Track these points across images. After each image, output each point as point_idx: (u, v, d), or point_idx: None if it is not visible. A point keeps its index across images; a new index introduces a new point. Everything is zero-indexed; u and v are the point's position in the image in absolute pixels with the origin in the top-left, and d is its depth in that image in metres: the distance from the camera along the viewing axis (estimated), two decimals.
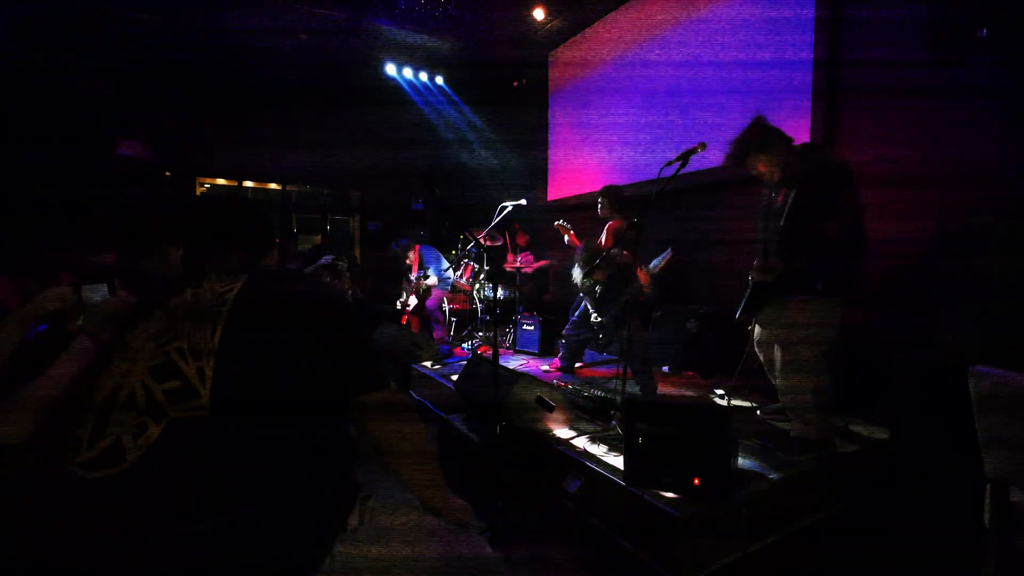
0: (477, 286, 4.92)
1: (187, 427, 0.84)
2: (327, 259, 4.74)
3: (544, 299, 5.72)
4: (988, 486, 1.41)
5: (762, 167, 2.37)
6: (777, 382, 2.40)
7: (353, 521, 0.95)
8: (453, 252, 5.44)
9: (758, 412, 2.81)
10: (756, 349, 2.55)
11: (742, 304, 2.38)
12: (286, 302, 0.99)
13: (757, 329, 2.47)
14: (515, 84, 6.85)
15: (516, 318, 4.74)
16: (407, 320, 5.36)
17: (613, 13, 5.22)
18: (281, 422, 0.91)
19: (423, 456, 1.07)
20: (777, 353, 2.34)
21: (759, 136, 2.35)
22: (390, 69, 6.30)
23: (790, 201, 2.16)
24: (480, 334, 4.81)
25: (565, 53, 6.04)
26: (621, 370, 2.56)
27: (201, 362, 0.89)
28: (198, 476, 0.83)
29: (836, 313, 2.23)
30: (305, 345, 0.95)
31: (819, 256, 2.14)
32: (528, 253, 5.47)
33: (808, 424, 2.27)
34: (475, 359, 3.04)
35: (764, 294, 2.30)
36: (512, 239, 5.58)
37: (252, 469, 0.86)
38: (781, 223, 2.18)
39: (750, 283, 2.34)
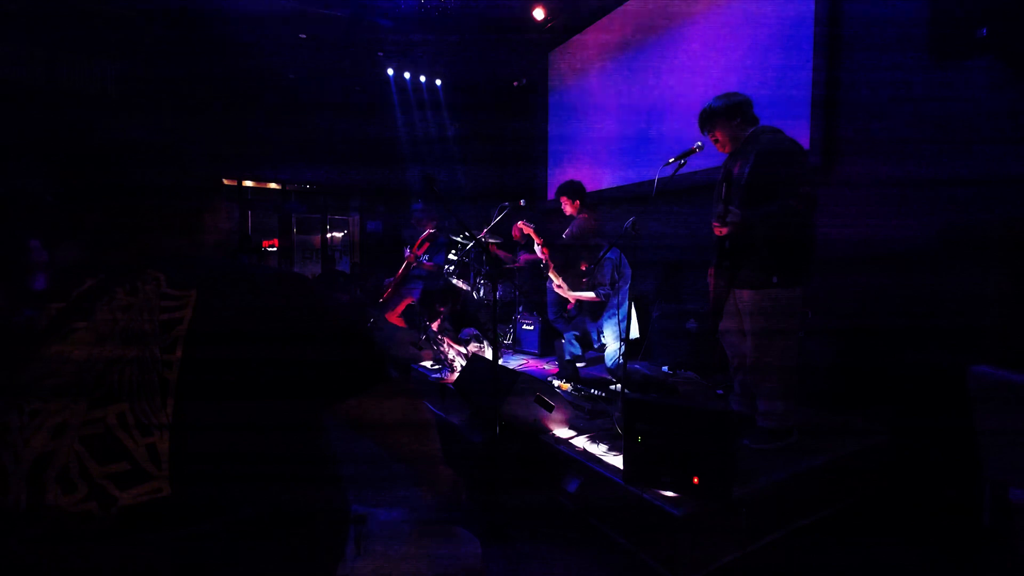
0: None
1: (143, 510, 0.65)
2: None
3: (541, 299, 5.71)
4: (988, 486, 1.41)
5: (720, 135, 2.45)
6: (743, 372, 2.43)
7: (349, 550, 0.88)
8: (452, 252, 5.44)
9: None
10: (720, 339, 2.56)
11: (716, 258, 2.42)
12: (261, 337, 0.74)
13: (724, 320, 2.48)
14: (515, 84, 6.85)
15: (516, 318, 4.73)
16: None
17: (613, 13, 5.22)
18: (256, 441, 0.74)
19: (417, 427, 0.93)
20: (747, 343, 2.35)
21: (726, 106, 2.42)
22: (390, 70, 6.30)
23: (747, 169, 2.25)
24: (477, 331, 4.79)
25: (565, 53, 6.04)
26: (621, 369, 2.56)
27: (152, 437, 0.66)
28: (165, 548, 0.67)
29: (798, 303, 2.28)
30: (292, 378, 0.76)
31: (774, 250, 2.21)
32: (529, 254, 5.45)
33: (774, 413, 2.29)
34: (474, 359, 3.03)
35: (731, 247, 2.33)
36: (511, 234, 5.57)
37: (231, 485, 0.71)
38: (740, 185, 2.27)
39: (716, 241, 2.38)
